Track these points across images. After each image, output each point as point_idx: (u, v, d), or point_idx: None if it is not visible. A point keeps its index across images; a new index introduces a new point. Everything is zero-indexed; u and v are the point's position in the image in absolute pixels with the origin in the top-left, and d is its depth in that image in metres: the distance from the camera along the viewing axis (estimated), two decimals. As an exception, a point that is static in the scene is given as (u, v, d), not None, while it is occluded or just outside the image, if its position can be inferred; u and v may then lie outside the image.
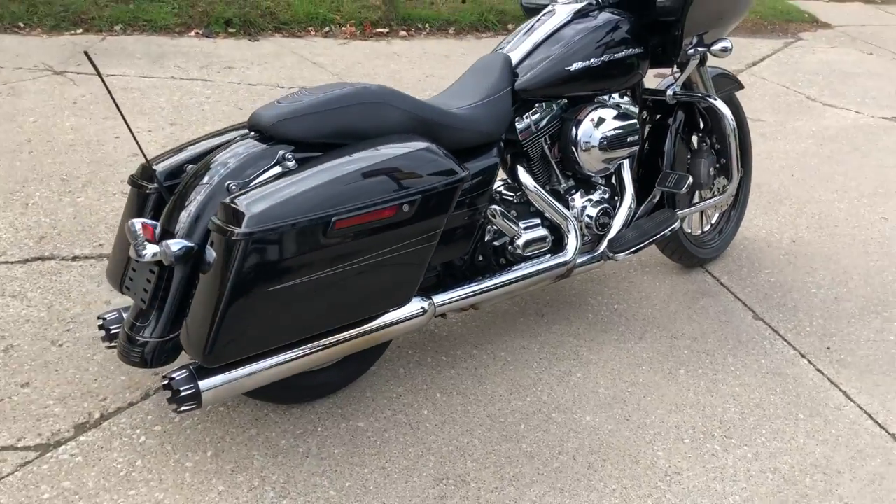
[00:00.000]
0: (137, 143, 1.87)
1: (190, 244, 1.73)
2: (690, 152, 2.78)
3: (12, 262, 2.57)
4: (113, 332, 1.97)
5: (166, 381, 1.74)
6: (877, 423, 2.28)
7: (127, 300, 2.28)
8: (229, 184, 1.79)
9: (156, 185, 1.91)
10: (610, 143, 2.37)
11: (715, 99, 2.59)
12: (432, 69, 4.86)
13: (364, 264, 1.78)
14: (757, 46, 6.03)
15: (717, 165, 2.81)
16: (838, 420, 2.28)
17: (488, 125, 2.18)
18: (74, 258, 2.62)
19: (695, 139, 2.80)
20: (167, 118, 3.73)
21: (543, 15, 2.44)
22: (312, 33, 5.26)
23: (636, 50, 2.41)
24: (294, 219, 1.65)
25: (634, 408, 2.25)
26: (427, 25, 5.58)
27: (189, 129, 3.64)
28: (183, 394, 1.71)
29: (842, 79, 5.43)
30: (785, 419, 2.26)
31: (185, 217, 1.79)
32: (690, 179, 2.54)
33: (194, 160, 1.95)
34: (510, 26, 5.76)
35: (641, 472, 2.03)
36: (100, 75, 1.79)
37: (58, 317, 2.35)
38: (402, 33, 5.46)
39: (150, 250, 1.75)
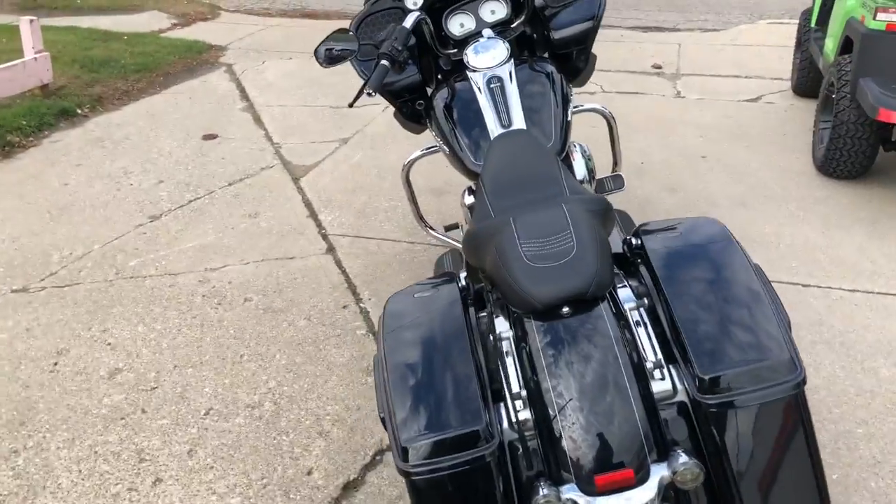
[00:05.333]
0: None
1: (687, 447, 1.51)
2: None
3: None
4: None
5: None
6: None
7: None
8: (648, 363, 1.56)
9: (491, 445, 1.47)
10: (594, 171, 2.62)
11: (600, 106, 2.95)
12: None
13: None
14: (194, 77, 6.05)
15: None
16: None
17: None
18: None
19: None
20: None
21: (491, 84, 2.40)
22: None
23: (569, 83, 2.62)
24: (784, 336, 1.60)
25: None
26: None
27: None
28: None
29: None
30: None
31: (622, 437, 1.46)
32: (620, 175, 2.93)
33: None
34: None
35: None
36: None
37: None
38: None
39: (645, 496, 1.43)
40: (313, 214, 3.83)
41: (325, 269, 3.33)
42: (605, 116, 2.96)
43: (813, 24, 5.08)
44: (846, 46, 4.09)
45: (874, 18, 3.73)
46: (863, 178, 4.07)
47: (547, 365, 1.55)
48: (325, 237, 3.60)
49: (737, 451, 1.47)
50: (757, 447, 1.46)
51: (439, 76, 2.74)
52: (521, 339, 1.66)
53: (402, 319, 1.73)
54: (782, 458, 1.47)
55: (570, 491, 1.44)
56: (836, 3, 4.59)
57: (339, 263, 3.37)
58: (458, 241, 3.00)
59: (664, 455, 1.48)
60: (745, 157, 4.43)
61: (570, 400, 1.50)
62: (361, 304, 3.07)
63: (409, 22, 2.43)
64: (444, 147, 2.43)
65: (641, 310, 1.65)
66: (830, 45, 4.45)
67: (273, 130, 4.96)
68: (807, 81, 5.30)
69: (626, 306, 1.65)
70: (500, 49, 2.46)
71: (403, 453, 1.46)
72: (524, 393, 1.56)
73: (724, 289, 1.63)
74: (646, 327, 1.63)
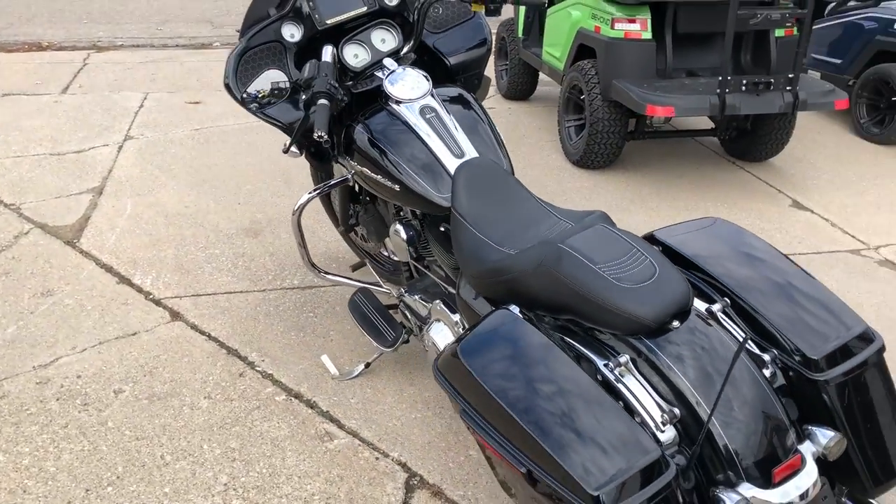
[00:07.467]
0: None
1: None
2: None
3: None
4: None
5: None
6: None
7: None
8: (765, 355, 1.71)
9: (672, 468, 1.51)
10: None
11: None
12: None
13: None
14: None
15: None
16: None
17: None
18: None
19: None
20: None
21: (426, 115, 2.35)
22: None
23: None
24: None
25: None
26: None
27: None
28: None
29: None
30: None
31: (775, 428, 1.60)
32: None
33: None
34: None
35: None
36: None
37: None
38: None
39: (812, 476, 1.59)
40: (125, 280, 3.31)
41: (186, 337, 2.93)
42: None
43: (520, 35, 5.65)
44: (581, 53, 4.65)
45: (612, 28, 4.31)
46: (611, 167, 4.67)
47: (686, 378, 1.63)
48: (158, 303, 3.15)
49: (855, 414, 1.69)
50: (866, 407, 1.71)
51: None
52: (635, 360, 1.71)
53: (493, 367, 1.67)
54: (885, 411, 1.72)
55: (748, 490, 1.55)
56: (549, 17, 5.15)
57: (197, 328, 2.98)
58: (358, 281, 2.88)
59: (800, 436, 1.65)
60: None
61: (724, 405, 1.60)
62: (258, 368, 2.77)
63: (328, 56, 2.33)
64: (390, 184, 2.32)
65: (727, 307, 1.80)
66: (557, 52, 5.01)
67: (-4, 190, 4.15)
68: (518, 86, 5.88)
69: (714, 308, 1.78)
70: (418, 79, 2.43)
71: (595, 502, 1.44)
72: (677, 411, 1.62)
73: (779, 276, 1.84)
74: (733, 323, 1.79)
